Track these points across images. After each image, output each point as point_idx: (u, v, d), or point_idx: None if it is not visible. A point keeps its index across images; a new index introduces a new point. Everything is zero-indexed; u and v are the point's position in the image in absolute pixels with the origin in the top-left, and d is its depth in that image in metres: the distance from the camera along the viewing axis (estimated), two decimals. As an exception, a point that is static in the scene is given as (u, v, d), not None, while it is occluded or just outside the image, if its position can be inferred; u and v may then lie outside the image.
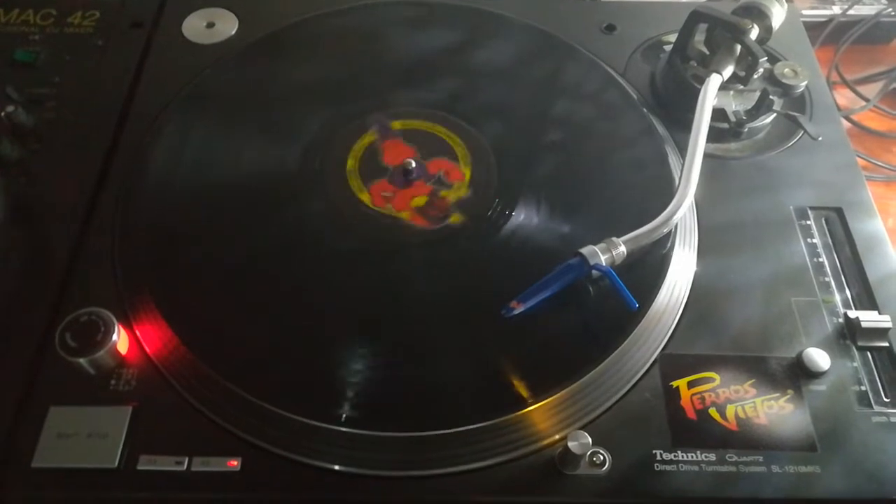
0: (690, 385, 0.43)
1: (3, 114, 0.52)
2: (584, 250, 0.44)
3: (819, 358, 0.43)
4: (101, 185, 0.51)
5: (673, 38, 0.58)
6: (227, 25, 0.62)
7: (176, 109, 0.55)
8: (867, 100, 0.73)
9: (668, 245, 0.47)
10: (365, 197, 0.50)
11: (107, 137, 0.54)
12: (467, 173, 0.52)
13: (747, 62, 0.53)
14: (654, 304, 0.45)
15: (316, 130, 0.54)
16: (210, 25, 0.61)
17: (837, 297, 0.47)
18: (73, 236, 0.48)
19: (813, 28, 0.73)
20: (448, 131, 0.54)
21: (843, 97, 0.75)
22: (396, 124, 0.54)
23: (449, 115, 0.56)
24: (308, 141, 0.54)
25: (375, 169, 0.52)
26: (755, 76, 0.53)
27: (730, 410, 0.42)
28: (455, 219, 0.50)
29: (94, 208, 0.50)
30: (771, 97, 0.53)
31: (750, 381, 0.43)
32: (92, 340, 0.42)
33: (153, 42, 0.60)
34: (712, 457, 0.40)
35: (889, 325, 0.45)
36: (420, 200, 0.50)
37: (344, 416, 0.40)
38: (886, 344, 0.45)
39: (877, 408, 0.42)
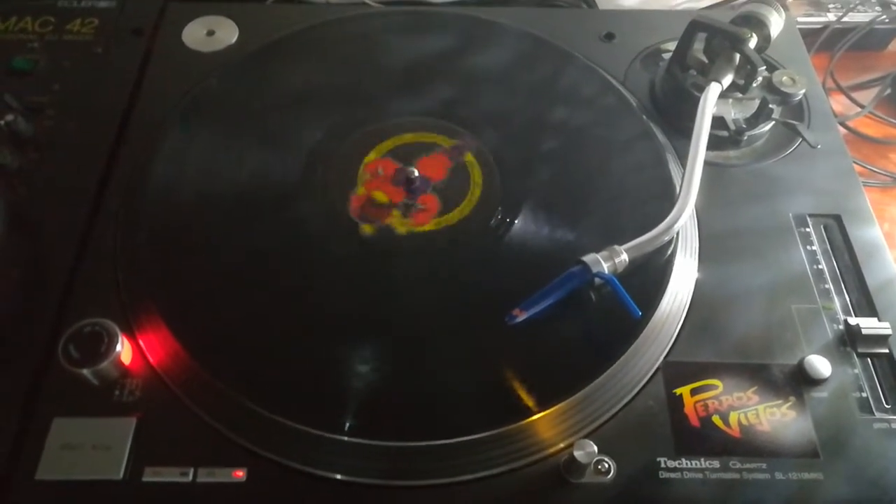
0: (693, 392, 0.43)
1: (2, 122, 0.52)
2: (587, 258, 0.45)
3: (820, 365, 0.44)
4: (102, 194, 0.51)
5: (672, 46, 0.58)
6: (227, 33, 0.62)
7: (177, 118, 0.55)
8: (862, 106, 0.74)
9: (670, 252, 0.48)
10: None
11: (107, 145, 0.54)
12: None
13: (746, 71, 0.53)
14: (656, 312, 0.45)
15: (318, 139, 0.54)
16: (210, 33, 0.61)
17: (837, 304, 0.47)
18: (75, 246, 0.48)
19: (808, 35, 0.74)
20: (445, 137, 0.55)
21: (839, 103, 0.75)
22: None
23: (449, 122, 0.56)
24: (310, 149, 0.54)
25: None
26: (754, 85, 0.53)
27: (733, 418, 0.42)
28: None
29: (96, 217, 0.50)
30: (770, 105, 0.54)
31: (752, 389, 0.43)
32: (95, 351, 0.41)
33: (153, 50, 0.60)
34: (716, 464, 0.41)
35: (889, 331, 0.45)
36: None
37: (349, 425, 0.40)
38: (886, 350, 0.45)
39: (878, 414, 0.43)
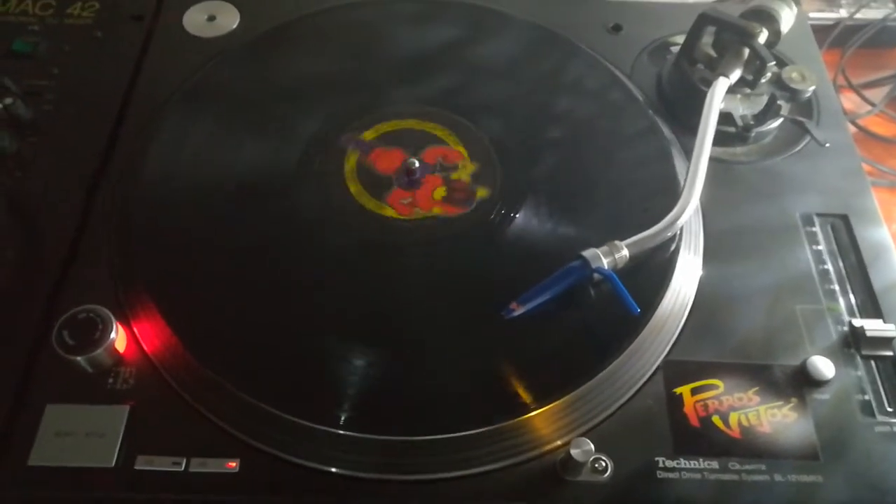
0: (694, 392, 0.43)
1: (1, 106, 0.51)
2: (586, 253, 0.44)
3: (823, 366, 0.43)
4: (99, 180, 0.51)
5: (680, 39, 0.57)
6: (228, 19, 0.61)
7: (176, 104, 0.54)
8: (873, 104, 0.73)
9: (673, 249, 0.47)
10: (388, 212, 0.49)
11: (106, 131, 0.53)
12: (463, 151, 0.52)
13: (755, 66, 0.52)
14: (658, 309, 0.44)
15: (318, 127, 0.54)
16: (211, 19, 0.61)
17: (842, 305, 0.47)
18: (71, 232, 0.47)
19: (819, 31, 0.72)
20: (446, 129, 0.54)
21: (849, 101, 0.74)
22: (369, 134, 0.53)
23: (453, 113, 0.55)
24: (307, 138, 0.53)
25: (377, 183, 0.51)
26: (763, 80, 0.53)
27: (733, 418, 0.42)
28: (481, 192, 0.50)
29: (92, 203, 0.49)
30: (778, 102, 0.53)
31: (754, 389, 0.43)
32: (90, 338, 0.41)
33: (153, 35, 0.60)
34: (715, 465, 0.40)
35: (894, 334, 0.44)
36: (441, 191, 0.50)
37: (343, 418, 0.40)
38: (891, 353, 0.44)
39: (880, 417, 0.42)
